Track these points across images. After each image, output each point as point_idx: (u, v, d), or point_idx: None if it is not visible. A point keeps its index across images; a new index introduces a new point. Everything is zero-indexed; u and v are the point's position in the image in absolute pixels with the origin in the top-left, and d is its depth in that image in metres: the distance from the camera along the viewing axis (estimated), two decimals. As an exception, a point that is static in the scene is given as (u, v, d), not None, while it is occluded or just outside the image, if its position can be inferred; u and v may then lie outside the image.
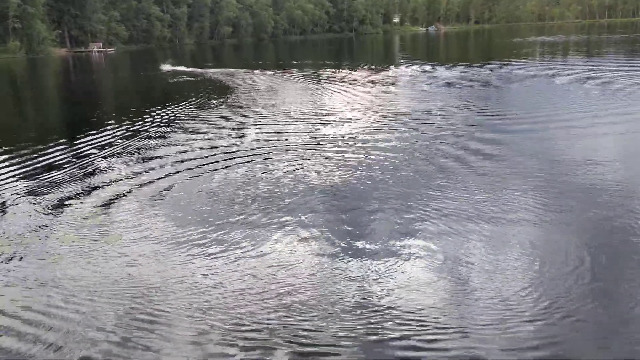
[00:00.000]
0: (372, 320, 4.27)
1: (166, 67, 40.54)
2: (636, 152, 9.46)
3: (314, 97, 19.10)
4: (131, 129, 13.77)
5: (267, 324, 4.28)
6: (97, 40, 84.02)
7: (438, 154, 9.54)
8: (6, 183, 8.84)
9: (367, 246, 5.63)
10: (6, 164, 10.29)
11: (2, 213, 7.29)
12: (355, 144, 10.66)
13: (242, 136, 12.11)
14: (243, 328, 4.24)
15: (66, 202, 7.63)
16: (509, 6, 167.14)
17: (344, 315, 4.37)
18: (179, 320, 4.38)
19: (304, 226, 6.28)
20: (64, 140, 12.61)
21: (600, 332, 4.06)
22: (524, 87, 19.28)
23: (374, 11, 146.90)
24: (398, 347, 3.94)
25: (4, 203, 7.74)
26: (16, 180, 8.99)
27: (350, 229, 6.16)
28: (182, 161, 9.87)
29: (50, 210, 7.30)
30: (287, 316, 4.37)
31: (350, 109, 15.38)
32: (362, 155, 9.61)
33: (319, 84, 23.32)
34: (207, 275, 5.15)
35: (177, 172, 9.05)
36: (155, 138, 12.38)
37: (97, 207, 7.38)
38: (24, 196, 8.03)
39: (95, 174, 9.21)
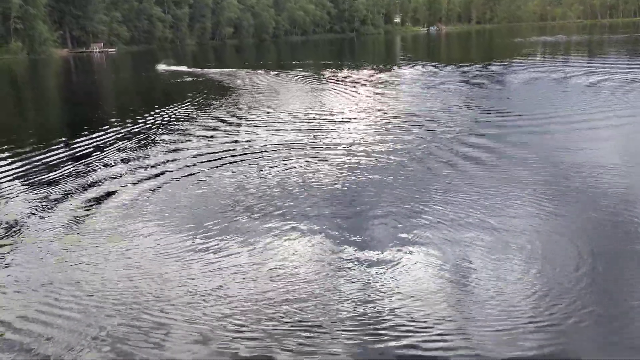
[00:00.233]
0: (374, 326, 4.23)
1: (162, 67, 40.55)
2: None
3: (316, 97, 19.09)
4: (132, 129, 13.76)
5: (268, 329, 4.25)
6: (98, 41, 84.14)
7: (440, 155, 9.51)
8: (7, 183, 8.83)
9: (370, 250, 5.59)
10: (7, 164, 10.27)
11: (3, 214, 7.27)
12: (358, 145, 10.63)
13: (244, 137, 12.09)
14: (244, 333, 4.21)
15: (67, 203, 7.61)
16: (511, 6, 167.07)
17: (346, 320, 4.33)
18: (179, 324, 4.34)
19: (306, 229, 6.25)
20: (65, 140, 12.60)
21: (607, 337, 4.02)
22: (526, 87, 19.24)
23: (375, 11, 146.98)
24: (401, 353, 3.90)
25: (4, 204, 7.72)
26: (17, 181, 8.97)
27: (352, 232, 6.13)
28: (184, 162, 9.85)
29: (51, 211, 7.28)
30: (288, 321, 4.33)
31: (352, 110, 15.36)
32: (363, 157, 9.59)
33: (321, 84, 23.31)
34: (208, 279, 5.11)
35: (179, 173, 9.04)
36: (156, 139, 12.37)
37: (98, 208, 7.36)
38: (25, 197, 8.02)
39: (96, 175, 9.20)
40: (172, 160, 9.99)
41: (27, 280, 5.24)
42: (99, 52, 79.18)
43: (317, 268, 5.20)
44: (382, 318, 4.28)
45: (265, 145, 10.85)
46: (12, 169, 9.83)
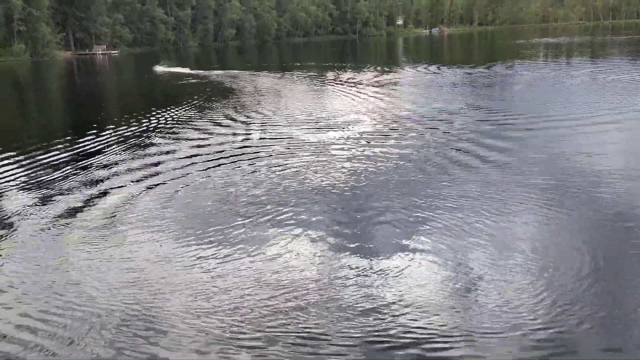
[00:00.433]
0: (377, 326, 4.21)
1: (160, 69, 40.60)
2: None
3: (318, 99, 19.08)
4: (135, 131, 13.77)
5: (272, 329, 4.23)
6: (101, 42, 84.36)
7: (444, 156, 9.49)
8: (9, 185, 8.83)
9: (373, 251, 5.57)
10: (10, 165, 10.28)
11: (7, 215, 7.27)
12: (361, 147, 10.61)
13: (246, 138, 12.08)
14: (248, 333, 4.19)
15: (70, 205, 7.60)
16: (513, 8, 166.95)
17: (350, 320, 4.31)
18: (179, 330, 4.32)
19: (309, 232, 6.23)
20: (67, 142, 12.61)
21: (610, 337, 3.99)
22: (530, 88, 19.19)
23: (377, 13, 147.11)
24: (404, 353, 3.88)
25: (8, 205, 7.72)
26: (19, 182, 8.97)
27: (356, 232, 6.11)
28: (187, 164, 9.84)
29: (54, 213, 7.27)
30: (290, 328, 4.30)
31: (355, 112, 15.33)
32: (367, 160, 9.56)
33: (323, 86, 23.31)
34: (212, 280, 5.09)
35: (182, 175, 9.03)
36: (159, 141, 12.36)
37: (102, 209, 7.35)
38: (28, 198, 8.02)
39: (98, 177, 9.19)
40: (175, 163, 9.98)
41: (28, 282, 5.23)
42: (102, 54, 79.36)
43: (319, 273, 5.16)
44: (386, 325, 4.24)
45: (269, 148, 10.83)
46: (15, 171, 9.83)
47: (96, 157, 10.81)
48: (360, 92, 19.80)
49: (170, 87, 27.63)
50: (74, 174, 9.39)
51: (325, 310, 4.47)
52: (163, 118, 15.61)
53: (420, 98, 17.68)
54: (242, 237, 6.07)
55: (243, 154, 10.35)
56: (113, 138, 12.86)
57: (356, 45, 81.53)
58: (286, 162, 9.45)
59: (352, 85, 22.49)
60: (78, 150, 11.56)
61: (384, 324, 4.22)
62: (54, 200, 7.83)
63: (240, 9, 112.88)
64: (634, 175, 7.88)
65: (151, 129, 13.97)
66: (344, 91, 20.59)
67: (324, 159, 9.62)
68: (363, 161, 9.30)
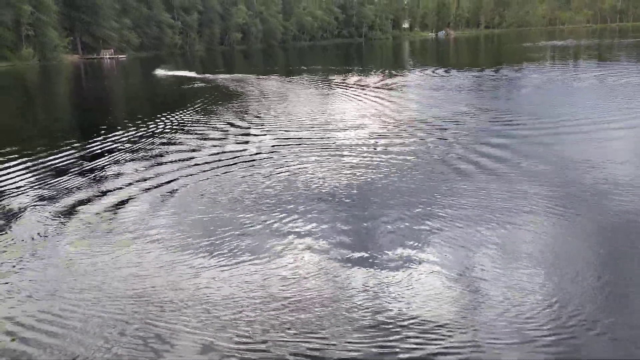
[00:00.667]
0: (384, 336, 4.15)
1: (161, 73, 40.90)
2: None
3: (325, 102, 19.05)
4: (142, 134, 13.79)
5: (276, 341, 4.17)
6: (108, 47, 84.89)
7: (451, 160, 9.42)
8: (17, 187, 8.84)
9: (379, 259, 5.49)
10: (17, 168, 10.31)
11: (12, 218, 7.27)
12: (367, 150, 10.57)
13: (253, 141, 12.06)
14: (252, 345, 4.13)
15: (77, 208, 7.60)
16: (519, 11, 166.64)
17: (356, 329, 4.25)
18: (186, 334, 4.28)
19: (315, 238, 6.18)
20: (74, 145, 12.64)
21: (620, 345, 3.91)
22: (538, 91, 19.08)
23: (383, 17, 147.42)
24: None
25: (14, 208, 7.73)
26: (26, 185, 8.99)
27: (361, 240, 6.05)
28: (193, 167, 9.83)
29: (60, 216, 7.27)
30: (297, 334, 4.26)
31: (361, 115, 15.29)
32: (373, 162, 9.52)
33: (329, 89, 23.29)
34: (216, 288, 5.04)
35: (188, 178, 9.01)
36: (165, 144, 12.37)
37: (108, 212, 7.34)
38: (34, 201, 8.02)
39: (105, 180, 9.20)
40: (182, 165, 9.97)
41: (36, 285, 5.21)
42: (109, 58, 79.85)
43: (327, 276, 5.11)
44: (393, 337, 4.17)
45: (276, 151, 10.81)
46: (22, 173, 9.86)
47: (103, 160, 10.82)
48: (366, 96, 19.77)
49: (177, 91, 27.71)
50: (82, 177, 9.39)
51: (331, 321, 4.40)
52: (169, 122, 15.64)
53: (427, 101, 17.61)
54: (247, 244, 6.02)
55: (250, 158, 10.33)
56: (120, 142, 12.88)
57: (362, 49, 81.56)
58: (292, 166, 9.41)
59: (359, 88, 22.46)
60: (85, 154, 11.59)
61: (390, 336, 4.14)
62: (61, 204, 7.83)
63: (246, 13, 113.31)
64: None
65: (158, 132, 13.98)
66: (350, 94, 20.55)
67: (331, 163, 9.57)
68: (369, 166, 9.25)
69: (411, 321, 4.29)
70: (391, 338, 4.09)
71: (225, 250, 5.81)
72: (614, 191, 7.23)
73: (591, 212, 6.49)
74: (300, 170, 9.10)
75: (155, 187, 8.52)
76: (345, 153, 10.27)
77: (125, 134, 13.88)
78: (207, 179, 8.88)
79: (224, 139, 12.58)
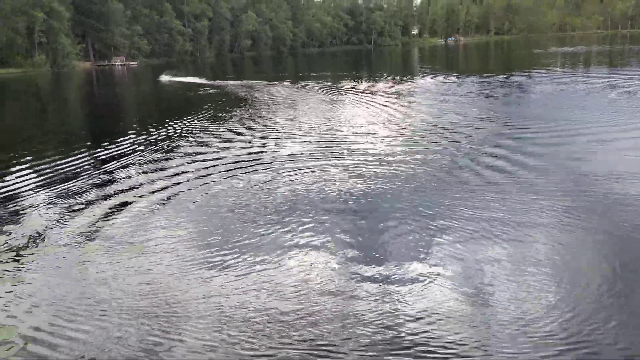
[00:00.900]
0: (393, 348, 4.09)
1: (165, 79, 41.33)
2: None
3: (334, 109, 19.05)
4: (153, 140, 13.86)
5: (287, 345, 4.15)
6: (120, 54, 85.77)
7: (461, 168, 9.34)
8: (29, 193, 8.90)
9: (390, 265, 5.45)
10: (30, 173, 10.39)
11: (24, 223, 7.31)
12: (377, 157, 10.52)
13: (263, 148, 12.07)
14: (262, 350, 4.11)
15: (88, 213, 7.62)
16: (529, 17, 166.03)
17: (366, 337, 4.20)
18: (194, 342, 4.26)
19: (326, 243, 6.15)
20: (86, 151, 12.72)
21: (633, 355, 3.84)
22: (549, 97, 18.94)
23: (392, 23, 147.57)
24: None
25: (25, 213, 7.77)
26: (39, 190, 9.04)
27: (372, 245, 6.01)
28: (204, 172, 9.84)
29: (72, 220, 7.29)
30: (308, 338, 4.22)
31: (370, 122, 15.26)
32: (383, 169, 9.47)
33: (339, 95, 23.29)
34: (226, 296, 5.00)
35: (199, 184, 9.02)
36: (177, 149, 12.42)
37: (121, 218, 7.35)
38: (46, 206, 8.06)
39: (116, 186, 9.24)
40: (193, 171, 9.98)
41: (47, 291, 5.21)
42: (121, 65, 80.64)
43: (337, 289, 5.03)
44: (401, 340, 4.13)
45: (285, 157, 10.80)
46: (35, 179, 9.93)
47: (115, 165, 10.87)
48: (376, 102, 19.74)
49: (187, 98, 27.87)
50: (93, 182, 9.44)
51: (341, 326, 4.37)
52: (180, 128, 15.71)
53: (437, 108, 17.54)
54: (258, 249, 6.01)
55: (260, 166, 10.32)
56: (132, 147, 12.95)
57: (371, 55, 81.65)
58: (302, 171, 9.39)
59: (368, 94, 22.44)
60: (97, 159, 11.66)
61: (402, 350, 4.07)
62: (74, 209, 7.86)
63: (256, 20, 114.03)
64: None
65: (169, 139, 14.04)
66: (359, 101, 20.54)
67: (341, 168, 9.54)
68: (380, 175, 9.20)
69: (422, 336, 4.21)
70: (402, 353, 4.04)
71: (235, 260, 5.79)
72: (628, 202, 7.12)
73: (606, 225, 6.38)
74: (310, 178, 9.08)
75: (167, 195, 8.53)
76: (356, 161, 10.23)
77: (137, 140, 13.96)
78: (217, 186, 8.88)
79: (234, 146, 12.60)
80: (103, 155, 12.20)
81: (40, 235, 6.84)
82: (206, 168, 10.22)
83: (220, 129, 15.26)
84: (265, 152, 11.53)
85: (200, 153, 11.81)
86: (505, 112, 15.84)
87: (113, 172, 10.31)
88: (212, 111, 19.53)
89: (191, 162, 10.86)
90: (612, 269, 5.15)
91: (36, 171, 10.72)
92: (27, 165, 11.31)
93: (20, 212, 7.91)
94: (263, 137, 13.42)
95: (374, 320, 4.43)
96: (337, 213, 7.12)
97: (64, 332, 4.48)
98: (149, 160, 11.31)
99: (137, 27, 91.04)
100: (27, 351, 4.23)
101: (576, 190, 7.68)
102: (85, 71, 70.09)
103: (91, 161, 11.55)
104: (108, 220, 7.31)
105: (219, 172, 9.83)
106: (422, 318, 4.43)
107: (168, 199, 8.21)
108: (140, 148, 12.83)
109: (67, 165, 11.19)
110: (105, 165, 10.98)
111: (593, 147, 10.55)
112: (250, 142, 12.84)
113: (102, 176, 10.02)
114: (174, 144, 13.13)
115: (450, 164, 9.55)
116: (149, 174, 10.01)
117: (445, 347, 4.03)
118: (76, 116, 23.64)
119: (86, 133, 17.94)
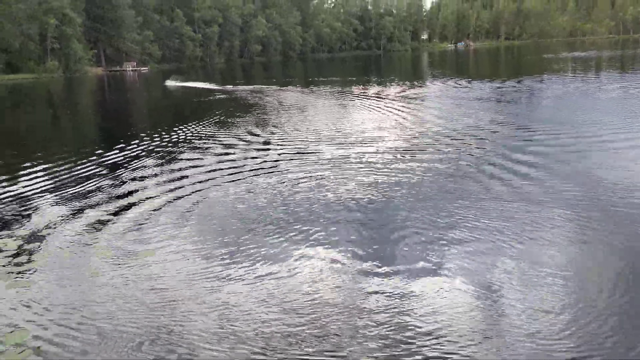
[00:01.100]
0: (406, 353, 4.04)
1: (171, 84, 41.67)
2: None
3: (343, 113, 19.03)
4: (164, 146, 13.91)
5: (295, 354, 4.10)
6: (131, 59, 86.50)
7: (472, 173, 9.26)
8: (41, 197, 8.95)
9: (399, 273, 5.38)
10: (42, 178, 10.46)
11: (38, 228, 7.34)
12: (387, 162, 10.47)
13: (273, 154, 12.06)
14: (270, 357, 4.07)
15: (99, 218, 7.64)
16: (540, 22, 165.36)
17: (376, 347, 4.15)
18: (205, 346, 4.24)
19: (335, 251, 6.10)
20: (98, 156, 12.79)
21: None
22: (560, 102, 18.78)
23: (402, 28, 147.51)
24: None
25: (40, 218, 7.80)
26: (51, 195, 9.09)
27: (380, 253, 5.95)
28: (214, 178, 9.85)
29: (83, 226, 7.31)
30: (317, 349, 4.17)
31: (380, 126, 15.22)
32: (392, 175, 9.41)
33: (348, 100, 23.28)
34: (236, 300, 4.99)
35: (210, 189, 9.02)
36: (188, 155, 12.44)
37: (130, 223, 7.36)
38: (58, 211, 8.09)
39: (128, 190, 9.26)
40: (203, 177, 9.98)
41: (59, 295, 5.22)
42: (132, 70, 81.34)
43: (347, 292, 5.00)
44: (414, 347, 4.08)
45: (296, 163, 10.78)
46: (47, 182, 9.99)
47: (127, 170, 10.91)
48: (386, 107, 19.69)
49: (198, 103, 28.00)
50: (106, 187, 9.47)
51: (351, 339, 4.30)
52: (191, 133, 15.76)
53: (447, 112, 17.45)
54: (266, 258, 5.96)
55: (270, 170, 10.31)
56: (143, 152, 13.00)
57: (381, 61, 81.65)
58: (313, 179, 9.36)
59: (378, 99, 22.40)
60: (109, 164, 11.71)
61: (412, 355, 4.02)
62: (83, 213, 7.89)
63: (265, 26, 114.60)
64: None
65: (179, 144, 14.09)
66: (369, 106, 20.51)
67: (351, 174, 9.50)
68: (389, 177, 9.15)
69: (433, 339, 4.17)
70: (413, 357, 3.98)
71: (245, 264, 5.77)
72: (636, 205, 7.02)
73: (619, 234, 6.28)
74: (320, 182, 9.04)
75: (177, 198, 8.54)
76: (365, 164, 10.19)
77: (148, 145, 14.02)
78: (228, 190, 8.88)
79: (243, 150, 12.61)
80: (114, 160, 12.25)
81: (51, 239, 6.86)
82: (216, 172, 10.22)
83: (230, 134, 15.28)
84: (275, 157, 11.51)
85: (210, 157, 11.82)
86: (517, 118, 15.69)
87: (124, 177, 10.34)
88: (222, 117, 19.58)
89: (202, 167, 10.88)
90: (630, 278, 5.04)
91: (48, 175, 10.79)
92: (39, 169, 11.38)
93: (32, 215, 7.94)
94: (273, 143, 13.41)
95: (383, 333, 4.35)
96: (348, 218, 7.07)
97: (75, 336, 4.47)
98: (161, 165, 11.34)
99: (148, 32, 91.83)
100: (39, 355, 4.22)
101: (590, 195, 7.56)
102: (97, 77, 70.75)
103: (102, 166, 11.60)
104: (119, 225, 7.32)
105: (229, 177, 9.82)
106: (432, 332, 4.35)
107: (180, 204, 8.21)
108: (152, 154, 12.88)
109: (78, 169, 11.24)
110: (117, 170, 11.03)
111: (608, 150, 10.43)
112: (260, 148, 12.84)
113: (113, 181, 10.05)
114: (184, 150, 13.16)
115: (461, 170, 9.46)
116: (161, 179, 10.03)
117: (456, 352, 3.97)
118: (88, 121, 23.82)
119: (97, 138, 18.06)
